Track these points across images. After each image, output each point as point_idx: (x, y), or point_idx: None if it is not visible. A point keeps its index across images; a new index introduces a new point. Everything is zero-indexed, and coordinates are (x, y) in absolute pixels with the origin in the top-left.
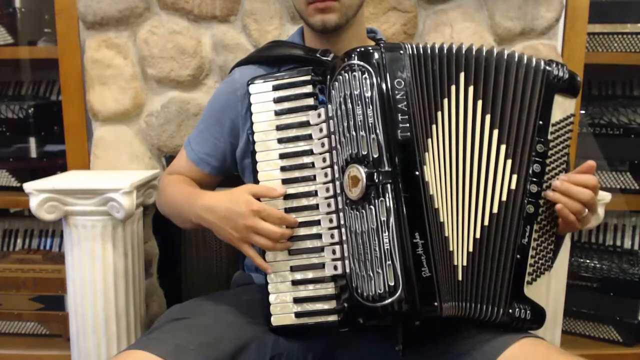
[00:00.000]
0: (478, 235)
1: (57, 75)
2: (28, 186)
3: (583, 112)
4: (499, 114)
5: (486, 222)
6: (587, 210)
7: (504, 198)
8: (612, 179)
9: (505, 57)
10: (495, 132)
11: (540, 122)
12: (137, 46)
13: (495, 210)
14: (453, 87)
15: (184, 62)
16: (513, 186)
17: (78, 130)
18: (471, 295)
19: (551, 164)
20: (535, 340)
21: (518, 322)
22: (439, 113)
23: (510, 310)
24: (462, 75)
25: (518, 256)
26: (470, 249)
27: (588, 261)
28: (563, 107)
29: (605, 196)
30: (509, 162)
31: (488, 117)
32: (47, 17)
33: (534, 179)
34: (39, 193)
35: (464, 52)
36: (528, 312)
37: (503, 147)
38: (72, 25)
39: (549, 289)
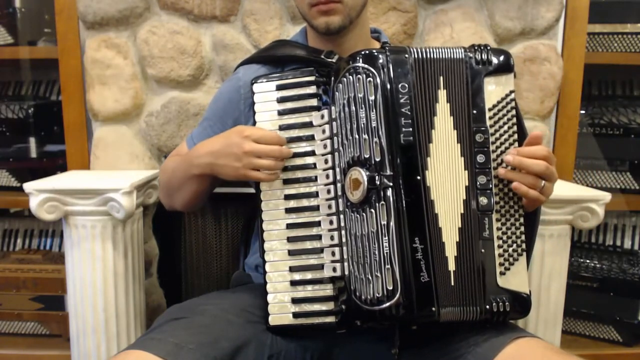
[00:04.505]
0: (458, 239)
1: (57, 75)
2: (28, 186)
3: (583, 112)
4: (455, 114)
5: (460, 225)
6: (543, 181)
7: (464, 197)
8: (612, 179)
9: (452, 54)
10: (455, 133)
11: (475, 112)
12: (137, 46)
13: (462, 210)
14: (439, 92)
15: (184, 62)
16: (467, 182)
17: (78, 130)
18: (458, 299)
19: (497, 149)
20: (531, 340)
21: (499, 316)
22: (435, 118)
23: (487, 307)
24: (441, 79)
25: (482, 250)
26: (456, 253)
27: (588, 261)
28: (499, 87)
29: (605, 196)
30: (462, 159)
31: (452, 119)
32: (47, 17)
33: (480, 170)
34: (39, 193)
35: (441, 54)
36: (507, 303)
37: (459, 146)
38: (72, 25)
39: (549, 289)
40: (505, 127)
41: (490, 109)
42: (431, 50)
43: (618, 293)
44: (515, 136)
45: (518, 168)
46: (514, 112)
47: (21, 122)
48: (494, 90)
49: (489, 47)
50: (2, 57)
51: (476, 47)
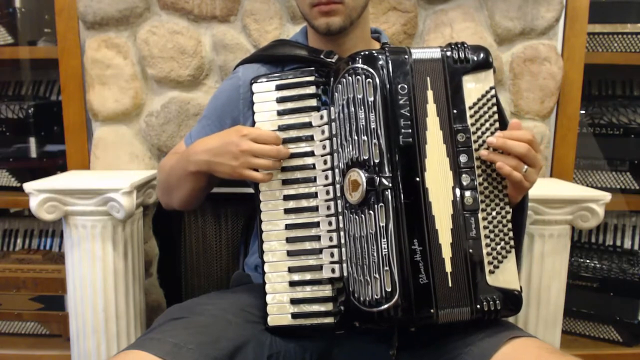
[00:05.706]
0: (451, 240)
1: (57, 75)
2: (28, 186)
3: (583, 112)
4: (440, 114)
5: (451, 226)
6: (526, 166)
7: (452, 197)
8: (612, 179)
9: (430, 54)
10: (441, 134)
11: (455, 111)
12: (137, 46)
13: (452, 211)
14: (428, 92)
15: (184, 62)
16: (452, 183)
17: (78, 130)
18: (453, 300)
19: (480, 147)
20: (527, 340)
21: (490, 314)
22: (427, 119)
23: (478, 306)
24: (428, 79)
25: (470, 251)
26: (451, 254)
27: (588, 261)
28: (479, 85)
29: (605, 196)
30: (448, 160)
31: (438, 120)
32: (47, 17)
33: (464, 170)
34: (39, 193)
35: (424, 55)
36: (497, 302)
37: (444, 147)
38: (72, 25)
39: (549, 289)
40: (487, 125)
41: (470, 107)
42: (415, 50)
43: (618, 293)
44: (498, 133)
45: (501, 149)
46: (495, 108)
47: (21, 122)
48: (473, 87)
49: (465, 45)
50: (2, 57)
51: (453, 46)
